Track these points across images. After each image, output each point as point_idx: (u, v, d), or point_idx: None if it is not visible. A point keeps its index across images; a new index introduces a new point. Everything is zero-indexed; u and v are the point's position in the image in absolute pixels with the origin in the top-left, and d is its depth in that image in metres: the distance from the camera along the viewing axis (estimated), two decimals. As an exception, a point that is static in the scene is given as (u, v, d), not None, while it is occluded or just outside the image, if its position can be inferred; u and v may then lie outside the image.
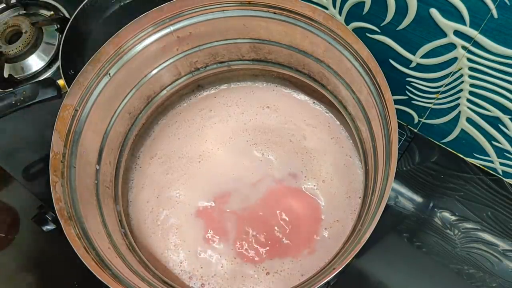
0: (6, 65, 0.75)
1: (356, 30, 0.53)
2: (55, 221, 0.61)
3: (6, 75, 0.73)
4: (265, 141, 0.61)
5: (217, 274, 0.53)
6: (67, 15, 0.79)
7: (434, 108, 0.56)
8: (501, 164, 0.56)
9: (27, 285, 0.60)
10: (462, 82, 0.50)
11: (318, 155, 0.59)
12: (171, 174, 0.60)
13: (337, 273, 0.38)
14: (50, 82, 0.58)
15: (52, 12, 0.80)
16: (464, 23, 0.43)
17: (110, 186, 0.54)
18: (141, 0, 0.74)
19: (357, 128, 0.54)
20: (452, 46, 0.46)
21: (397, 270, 0.55)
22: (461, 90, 0.51)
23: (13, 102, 0.55)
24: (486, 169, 0.59)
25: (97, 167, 0.52)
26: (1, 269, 0.62)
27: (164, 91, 0.60)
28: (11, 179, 0.67)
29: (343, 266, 0.37)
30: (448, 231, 0.56)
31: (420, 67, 0.52)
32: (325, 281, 0.38)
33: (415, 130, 0.63)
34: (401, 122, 0.63)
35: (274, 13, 0.51)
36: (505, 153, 0.54)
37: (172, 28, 0.53)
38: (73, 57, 0.68)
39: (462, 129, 0.56)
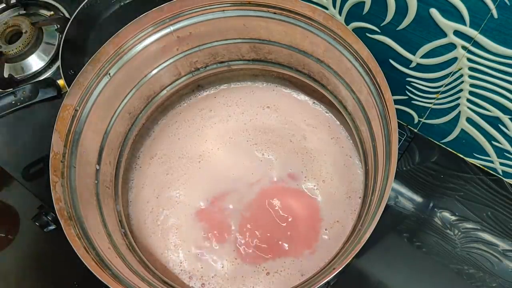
0: (6, 65, 0.75)
1: (356, 30, 0.53)
2: (55, 221, 0.61)
3: (6, 75, 0.73)
4: (265, 141, 0.61)
5: (217, 274, 0.53)
6: (67, 15, 0.79)
7: (434, 108, 0.56)
8: (501, 164, 0.56)
9: (27, 285, 0.60)
10: (462, 82, 0.50)
11: (318, 155, 0.59)
12: (171, 174, 0.60)
13: (337, 273, 0.38)
14: (50, 82, 0.58)
15: (52, 12, 0.80)
16: (464, 23, 0.43)
17: (110, 186, 0.54)
18: (141, 0, 0.74)
19: (357, 128, 0.54)
20: (452, 46, 0.46)
21: (397, 270, 0.55)
22: (461, 90, 0.51)
23: (13, 102, 0.55)
24: (486, 169, 0.59)
25: (97, 167, 0.52)
26: (1, 269, 0.62)
27: (164, 91, 0.60)
28: (11, 179, 0.67)
29: (343, 266, 0.37)
30: (448, 231, 0.56)
31: (420, 67, 0.52)
32: (325, 281, 0.38)
33: (415, 130, 0.63)
34: (401, 122, 0.63)
35: (274, 13, 0.51)
36: (505, 153, 0.54)
37: (172, 28, 0.53)
38: (73, 57, 0.68)
39: (462, 129, 0.56)
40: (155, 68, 0.57)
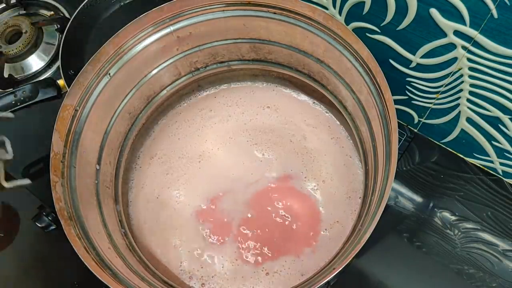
0: (6, 65, 0.75)
1: (356, 30, 0.53)
2: (55, 221, 0.61)
3: (6, 75, 0.73)
4: (265, 141, 0.61)
5: (217, 274, 0.53)
6: (67, 15, 0.79)
7: (434, 108, 0.56)
8: (501, 164, 0.56)
9: (27, 285, 0.60)
10: (462, 82, 0.50)
11: (318, 155, 0.59)
12: (171, 174, 0.60)
13: (337, 273, 0.38)
14: (50, 82, 0.58)
15: (52, 12, 0.80)
16: (464, 23, 0.43)
17: (110, 186, 0.54)
18: (141, 0, 0.74)
19: (357, 128, 0.54)
20: (452, 46, 0.46)
21: (397, 270, 0.55)
22: (461, 90, 0.51)
23: (13, 102, 0.55)
24: (486, 169, 0.59)
25: (97, 167, 0.52)
26: (1, 269, 0.62)
27: (164, 91, 0.60)
28: (11, 179, 0.67)
29: (343, 266, 0.37)
30: (448, 231, 0.56)
31: (420, 67, 0.52)
32: (325, 281, 0.38)
33: (415, 130, 0.63)
34: (401, 122, 0.63)
35: (274, 13, 0.51)
36: (505, 153, 0.54)
37: (172, 28, 0.53)
38: (73, 57, 0.68)
39: (462, 129, 0.56)
40: (155, 68, 0.57)
